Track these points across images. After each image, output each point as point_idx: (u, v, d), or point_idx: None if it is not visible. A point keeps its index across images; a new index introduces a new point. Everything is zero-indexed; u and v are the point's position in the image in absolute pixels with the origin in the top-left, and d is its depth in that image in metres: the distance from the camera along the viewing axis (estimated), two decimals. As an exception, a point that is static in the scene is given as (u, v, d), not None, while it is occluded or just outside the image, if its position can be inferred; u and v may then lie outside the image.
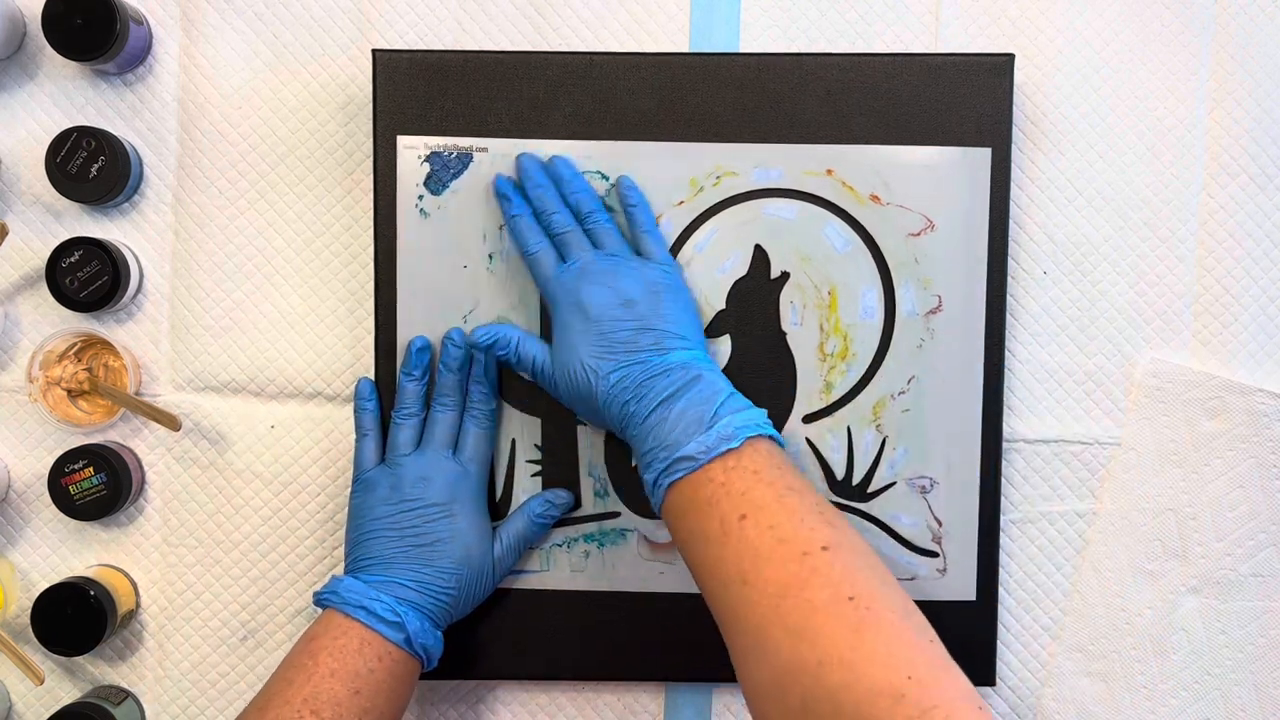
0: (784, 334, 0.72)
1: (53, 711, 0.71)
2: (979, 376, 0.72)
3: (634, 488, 0.73)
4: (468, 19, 0.75)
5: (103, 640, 0.71)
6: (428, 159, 0.72)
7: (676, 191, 0.72)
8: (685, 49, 0.75)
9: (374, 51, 0.72)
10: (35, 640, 0.71)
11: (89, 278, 0.72)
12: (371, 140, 0.72)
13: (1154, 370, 0.75)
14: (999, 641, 0.75)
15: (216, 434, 0.76)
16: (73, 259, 0.72)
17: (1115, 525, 0.75)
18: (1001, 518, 0.74)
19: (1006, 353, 0.74)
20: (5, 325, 0.75)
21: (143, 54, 0.75)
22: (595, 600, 0.73)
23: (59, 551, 0.76)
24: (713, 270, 0.72)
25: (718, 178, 0.72)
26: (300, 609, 0.76)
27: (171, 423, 0.72)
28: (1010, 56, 0.72)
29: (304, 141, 0.75)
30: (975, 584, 0.73)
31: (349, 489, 0.74)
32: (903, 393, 0.72)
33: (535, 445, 0.73)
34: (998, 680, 0.75)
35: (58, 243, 0.72)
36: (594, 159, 0.72)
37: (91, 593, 0.71)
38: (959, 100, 0.72)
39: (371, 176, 0.72)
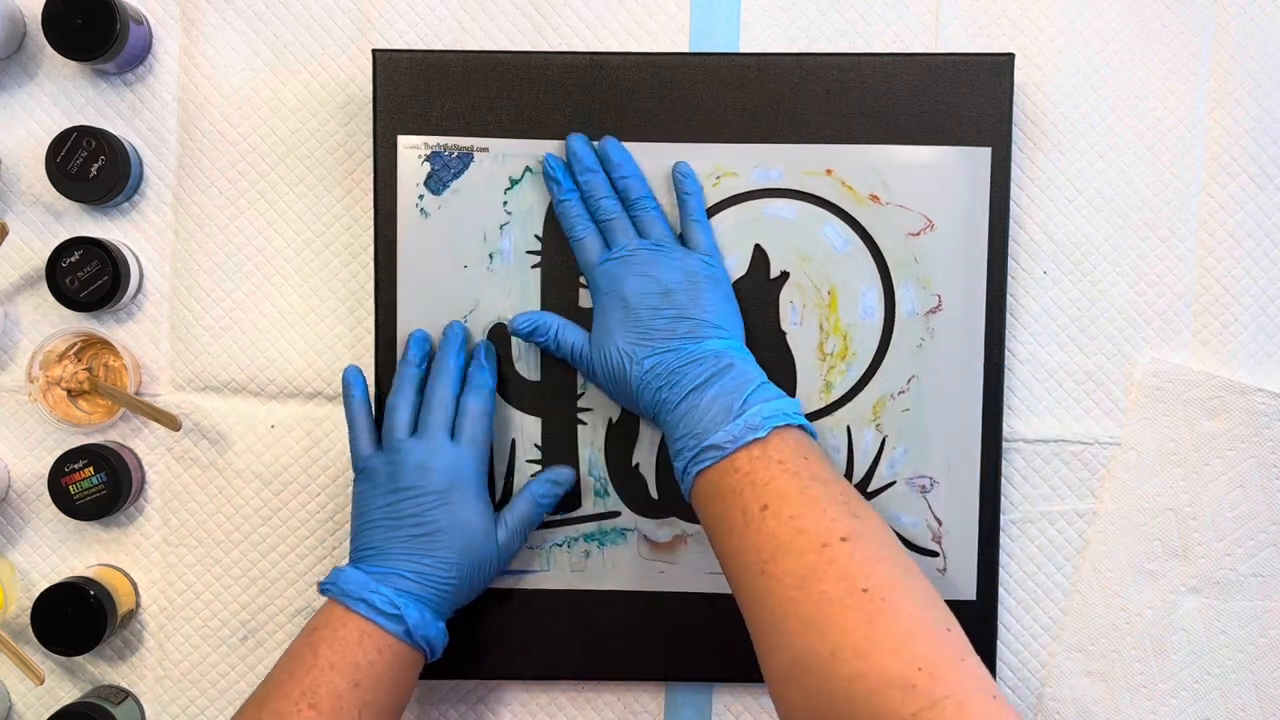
0: (784, 334, 0.72)
1: (53, 711, 0.71)
2: (979, 376, 0.72)
3: (634, 487, 0.73)
4: (468, 19, 0.75)
5: (103, 640, 0.71)
6: (428, 158, 0.72)
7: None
8: (685, 49, 0.75)
9: (374, 51, 0.72)
10: (35, 640, 0.71)
11: (89, 278, 0.72)
12: (371, 140, 0.72)
13: (1154, 370, 0.75)
14: (999, 641, 0.75)
15: (216, 434, 0.76)
16: (73, 259, 0.72)
17: (1115, 525, 0.75)
18: (1001, 517, 0.74)
19: (1006, 352, 0.74)
20: (5, 325, 0.75)
21: (143, 54, 0.75)
22: (595, 600, 0.73)
23: (59, 551, 0.76)
24: (713, 270, 0.72)
25: (718, 178, 0.72)
26: (300, 609, 0.76)
27: (171, 423, 0.72)
28: (1010, 56, 0.72)
29: (304, 141, 0.75)
30: (975, 584, 0.73)
31: (349, 489, 0.74)
32: (902, 392, 0.72)
33: (535, 445, 0.73)
34: (998, 680, 0.75)
35: (58, 243, 0.72)
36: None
37: (91, 593, 0.71)
38: (959, 100, 0.72)
39: (371, 176, 0.72)
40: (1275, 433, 0.75)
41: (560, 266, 0.72)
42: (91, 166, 0.72)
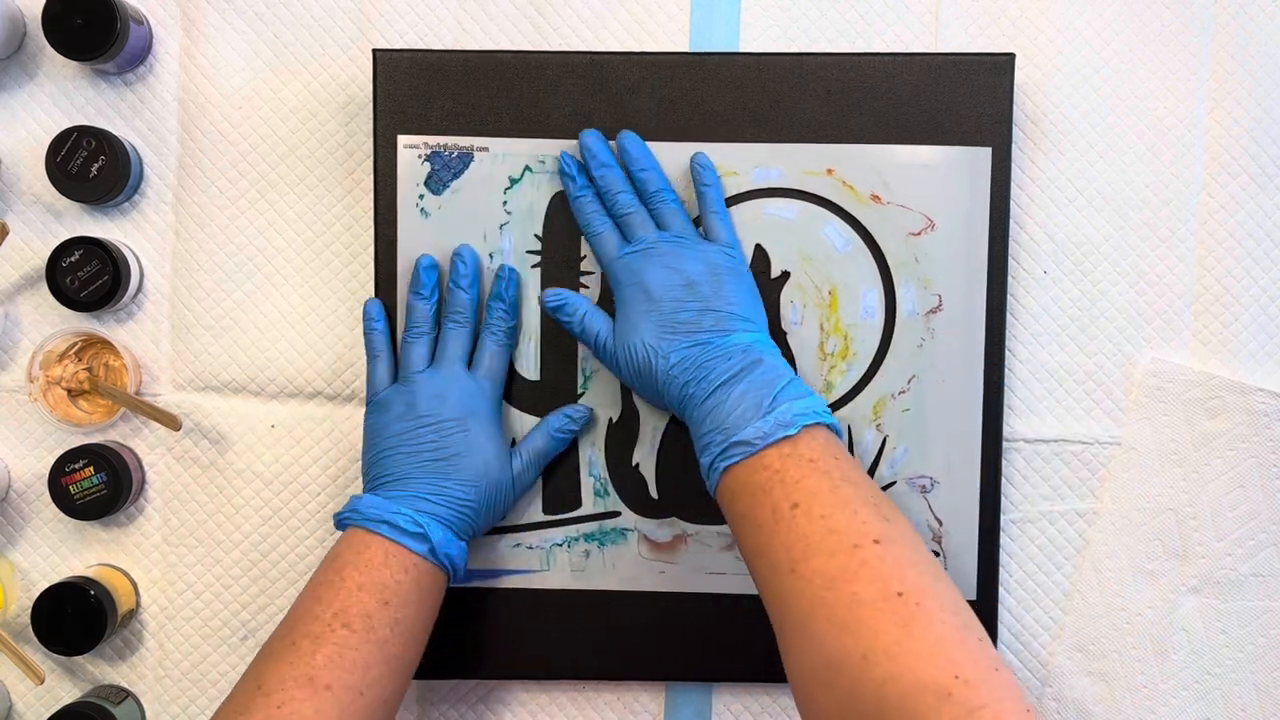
0: (784, 333, 0.72)
1: (53, 711, 0.71)
2: (979, 376, 0.72)
3: (634, 487, 0.73)
4: (468, 19, 0.75)
5: (103, 640, 0.71)
6: (428, 158, 0.72)
7: (676, 191, 0.72)
8: (685, 49, 0.75)
9: (374, 51, 0.72)
10: (35, 640, 0.71)
11: (89, 277, 0.72)
12: (372, 140, 0.72)
13: (1154, 370, 0.75)
14: (999, 641, 0.75)
15: (216, 434, 0.76)
16: (73, 259, 0.72)
17: (1115, 525, 0.75)
18: (1001, 517, 0.74)
19: (1007, 352, 0.74)
20: (5, 325, 0.75)
21: (143, 54, 0.75)
22: (595, 600, 0.73)
23: (59, 551, 0.76)
24: (713, 270, 0.72)
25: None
26: (300, 609, 0.76)
27: (171, 422, 0.72)
28: (1010, 56, 0.72)
29: (304, 141, 0.75)
30: (975, 583, 0.73)
31: (349, 489, 0.74)
32: (903, 392, 0.72)
33: (535, 445, 0.73)
34: (998, 680, 0.75)
35: (58, 242, 0.72)
36: (594, 159, 0.72)
37: (91, 592, 0.71)
38: (959, 100, 0.72)
39: (372, 176, 0.72)
40: (1275, 433, 0.75)
41: (560, 266, 0.72)
42: (92, 166, 0.72)
